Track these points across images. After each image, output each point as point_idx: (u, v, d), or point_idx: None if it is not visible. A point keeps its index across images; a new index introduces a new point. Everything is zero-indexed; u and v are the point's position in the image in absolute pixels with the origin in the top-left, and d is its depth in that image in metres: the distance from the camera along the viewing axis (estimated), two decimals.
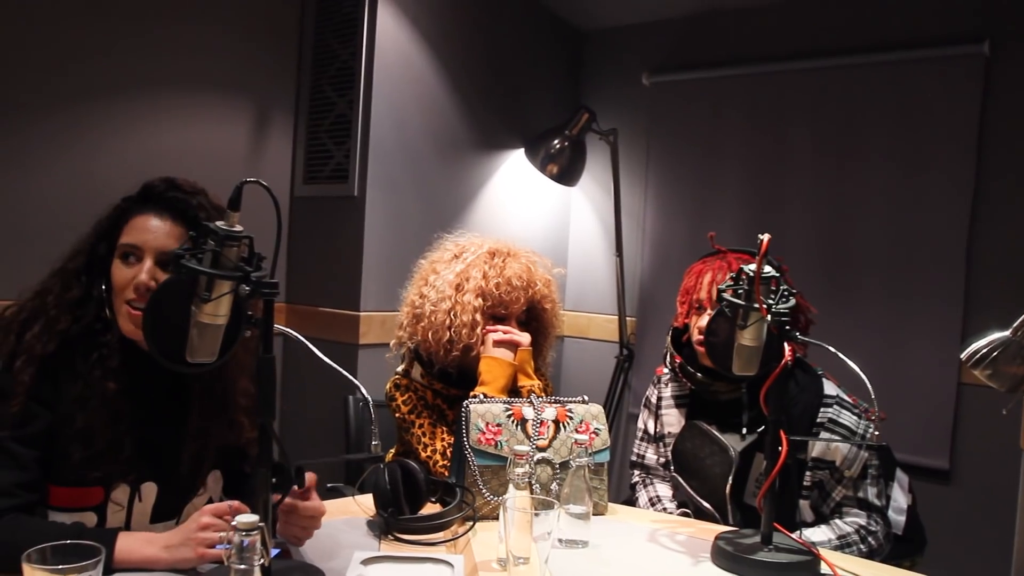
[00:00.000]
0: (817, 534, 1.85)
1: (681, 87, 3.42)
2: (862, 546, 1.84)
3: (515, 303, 1.99)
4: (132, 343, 1.46)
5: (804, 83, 3.09)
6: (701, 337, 1.96)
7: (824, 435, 1.88)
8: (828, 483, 1.90)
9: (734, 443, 1.92)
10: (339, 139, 3.01)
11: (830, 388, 1.94)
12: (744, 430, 1.95)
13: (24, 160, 2.46)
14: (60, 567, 0.95)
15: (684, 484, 1.99)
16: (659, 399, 2.18)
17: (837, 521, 1.89)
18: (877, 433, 1.77)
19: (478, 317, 1.94)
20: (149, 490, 1.49)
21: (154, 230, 1.44)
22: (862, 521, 1.88)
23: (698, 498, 1.95)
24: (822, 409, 1.91)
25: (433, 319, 1.95)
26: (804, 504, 1.92)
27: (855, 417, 1.91)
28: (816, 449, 1.89)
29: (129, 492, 1.46)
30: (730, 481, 1.89)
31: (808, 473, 1.91)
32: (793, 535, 1.72)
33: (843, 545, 1.83)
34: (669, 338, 2.14)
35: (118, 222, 1.48)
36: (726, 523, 1.89)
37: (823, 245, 3.03)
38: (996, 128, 2.72)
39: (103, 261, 1.47)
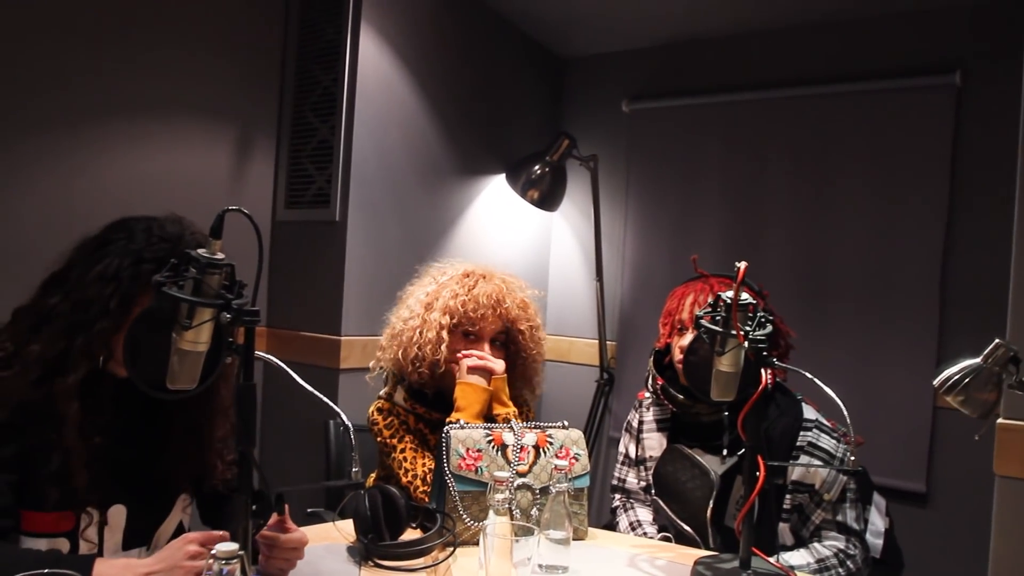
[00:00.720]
0: (796, 558, 1.86)
1: (660, 114, 3.46)
2: (840, 570, 1.85)
3: (483, 321, 2.00)
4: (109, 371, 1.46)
5: (781, 111, 3.14)
6: (683, 357, 1.98)
7: (804, 459, 1.91)
8: (808, 506, 1.91)
9: (715, 466, 1.93)
10: (321, 164, 3.02)
11: (809, 412, 1.96)
12: (725, 451, 1.97)
13: (3, 184, 2.45)
14: None
15: (665, 507, 2.00)
16: (640, 423, 2.20)
17: (816, 545, 1.90)
18: (854, 458, 1.79)
19: (444, 335, 1.96)
20: (118, 513, 1.48)
21: None
22: (840, 545, 1.89)
23: (679, 521, 1.96)
24: (802, 433, 1.93)
25: (402, 337, 2.00)
26: (784, 527, 1.94)
27: (834, 441, 1.93)
28: (796, 473, 1.91)
29: (98, 516, 1.45)
30: (711, 504, 1.90)
31: (788, 496, 1.92)
32: (772, 559, 1.74)
33: (822, 569, 1.85)
34: (651, 361, 2.16)
35: (140, 278, 1.43)
36: (707, 546, 1.91)
37: (800, 270, 3.07)
38: (968, 155, 2.77)
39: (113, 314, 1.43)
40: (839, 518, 1.90)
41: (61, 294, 1.43)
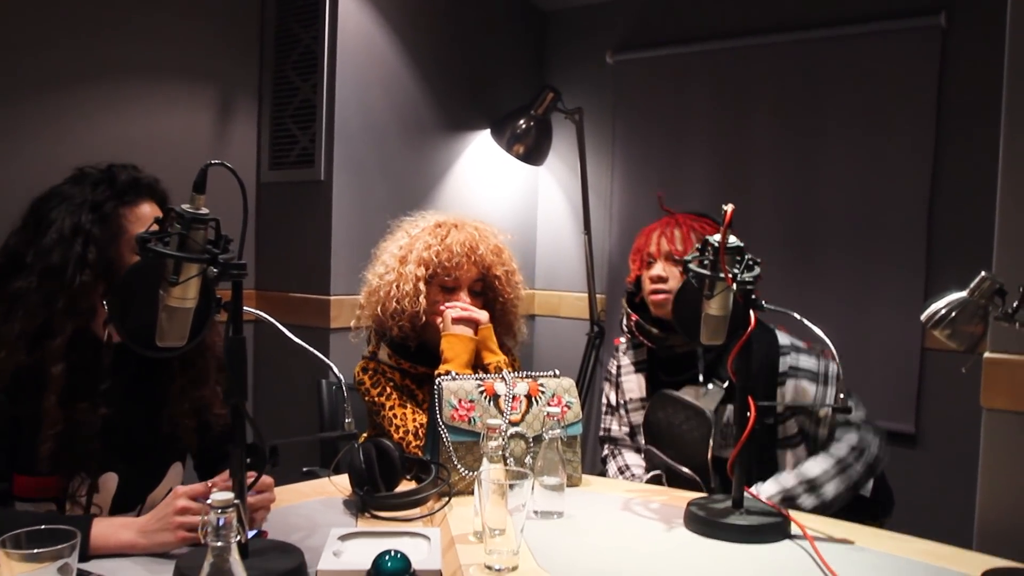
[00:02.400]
0: (814, 467, 1.90)
1: (644, 65, 3.43)
2: (858, 466, 1.89)
3: (458, 269, 2.00)
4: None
5: (766, 58, 3.12)
6: (654, 286, 2.08)
7: (790, 383, 1.96)
8: (809, 426, 1.96)
9: (706, 404, 1.95)
10: (304, 124, 2.99)
11: (784, 338, 1.99)
12: (701, 378, 2.02)
13: None
14: (36, 551, 0.95)
15: (660, 454, 2.02)
16: (618, 368, 2.23)
17: (831, 447, 1.94)
18: (837, 366, 1.88)
19: (421, 286, 1.97)
20: (109, 480, 1.49)
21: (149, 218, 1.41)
22: (854, 439, 1.93)
23: (676, 465, 1.97)
24: (781, 358, 1.97)
25: (380, 292, 2.00)
26: (789, 454, 1.97)
27: (814, 359, 1.98)
28: (788, 397, 1.95)
29: (89, 482, 1.45)
30: (711, 443, 1.92)
31: (789, 422, 1.97)
32: (792, 472, 1.85)
33: (841, 470, 1.89)
34: (624, 301, 2.21)
35: (108, 220, 1.44)
36: (707, 485, 1.92)
37: (788, 215, 3.07)
38: (953, 97, 2.77)
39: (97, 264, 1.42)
40: (841, 419, 1.95)
41: (23, 277, 1.41)
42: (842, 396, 1.56)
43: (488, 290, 2.08)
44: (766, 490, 1.88)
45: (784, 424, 1.99)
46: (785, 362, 1.97)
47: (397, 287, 1.98)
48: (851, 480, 1.90)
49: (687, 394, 2.00)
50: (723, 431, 1.94)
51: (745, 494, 1.56)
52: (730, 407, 1.93)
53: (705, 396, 1.99)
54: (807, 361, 1.97)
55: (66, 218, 1.42)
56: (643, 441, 2.14)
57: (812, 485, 1.88)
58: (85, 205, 1.43)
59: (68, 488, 1.44)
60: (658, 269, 2.09)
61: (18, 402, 1.38)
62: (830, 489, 1.88)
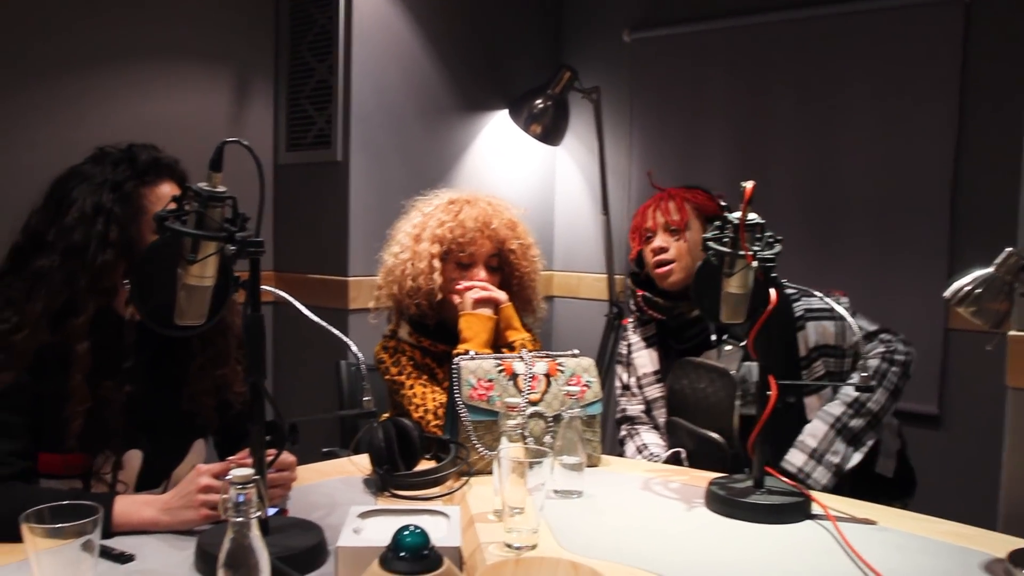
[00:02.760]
0: (849, 388, 1.92)
1: (662, 42, 3.40)
2: (893, 368, 1.94)
3: (473, 244, 2.00)
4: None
5: (786, 33, 3.07)
6: (655, 259, 2.13)
7: (811, 325, 1.98)
8: (837, 363, 1.98)
9: (726, 365, 1.94)
10: (321, 105, 2.98)
11: (787, 288, 1.98)
12: (713, 338, 2.05)
13: (4, 131, 2.44)
14: (59, 526, 0.96)
15: (685, 423, 2.00)
16: (628, 347, 2.24)
17: (861, 364, 1.94)
18: (845, 299, 1.94)
19: (435, 263, 1.97)
20: (133, 457, 1.50)
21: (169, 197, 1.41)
22: (880, 348, 1.96)
23: (704, 431, 1.95)
24: (793, 305, 1.99)
25: (396, 271, 2.00)
26: (815, 399, 1.98)
27: (824, 299, 1.97)
28: (812, 340, 1.97)
29: (113, 460, 1.46)
30: (737, 401, 1.90)
31: (816, 364, 1.98)
32: (837, 404, 1.90)
33: (882, 378, 1.92)
34: (629, 280, 2.26)
35: (128, 199, 1.44)
36: (731, 448, 1.90)
37: (808, 193, 3.03)
38: (977, 71, 2.71)
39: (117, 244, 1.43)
40: (861, 334, 1.99)
41: (45, 255, 1.41)
42: (864, 374, 1.54)
43: (504, 265, 2.07)
44: (813, 429, 1.90)
45: (811, 368, 1.99)
46: (798, 306, 1.99)
47: (412, 265, 1.98)
48: (892, 385, 1.94)
49: (704, 359, 2.01)
50: (746, 389, 1.93)
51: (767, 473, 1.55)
52: (750, 364, 1.93)
53: (724, 357, 1.99)
54: (817, 302, 1.98)
55: (87, 197, 1.42)
56: (660, 418, 2.13)
57: (855, 403, 1.91)
58: (106, 185, 1.43)
59: (93, 465, 1.45)
60: (658, 241, 2.15)
61: (42, 380, 1.39)
62: (875, 402, 1.92)
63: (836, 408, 1.93)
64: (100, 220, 1.41)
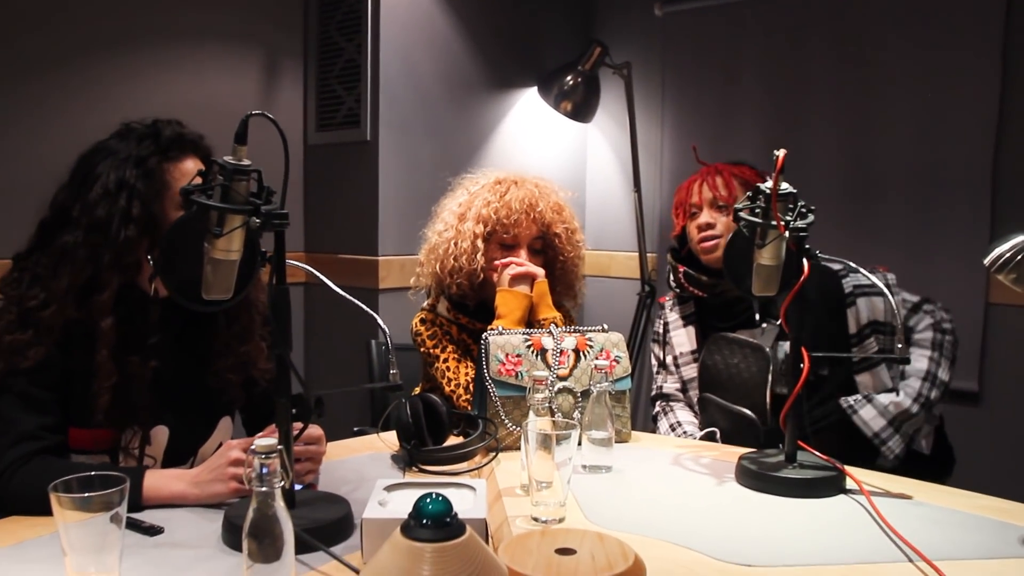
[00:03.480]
0: (918, 363, 1.95)
1: (694, 16, 3.34)
2: (947, 336, 1.98)
3: (517, 226, 1.98)
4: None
5: (821, 5, 3.00)
6: (701, 235, 2.08)
7: (862, 300, 1.97)
8: (888, 340, 1.97)
9: (763, 342, 1.92)
10: (349, 84, 2.98)
11: (834, 264, 1.96)
12: (757, 317, 2.01)
13: (33, 113, 2.47)
14: (86, 495, 0.96)
15: (716, 399, 1.98)
16: (665, 325, 2.21)
17: (915, 339, 1.99)
18: (892, 275, 1.96)
19: (479, 243, 1.95)
20: (160, 433, 1.51)
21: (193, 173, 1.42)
22: (927, 319, 1.99)
23: (734, 407, 1.93)
24: (843, 281, 1.97)
25: (439, 250, 1.99)
26: (868, 376, 1.97)
27: (872, 275, 1.92)
28: (864, 316, 1.96)
29: (141, 435, 1.48)
30: (771, 377, 1.88)
31: (869, 341, 1.97)
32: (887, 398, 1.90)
33: (941, 348, 1.96)
34: (669, 255, 2.20)
35: (152, 175, 1.45)
36: (764, 425, 1.88)
37: (846, 167, 2.97)
38: (1020, 39, 2.63)
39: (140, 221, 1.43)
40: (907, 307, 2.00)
41: (70, 231, 1.42)
42: (900, 346, 1.51)
43: (548, 248, 2.05)
44: (897, 400, 1.91)
45: (863, 345, 1.97)
46: (848, 283, 1.97)
47: (455, 244, 1.97)
48: (951, 354, 1.98)
49: (743, 335, 1.98)
50: (782, 366, 1.90)
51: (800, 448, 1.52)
52: (787, 343, 1.91)
53: (762, 336, 1.96)
54: (866, 278, 1.91)
55: (111, 173, 1.42)
56: (694, 395, 2.11)
57: (929, 376, 1.92)
58: (130, 160, 1.44)
59: (121, 440, 1.46)
60: (704, 217, 2.10)
61: (71, 355, 1.40)
62: (944, 371, 1.95)
63: (915, 383, 1.93)
64: (123, 196, 1.41)
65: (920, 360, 1.95)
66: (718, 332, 2.07)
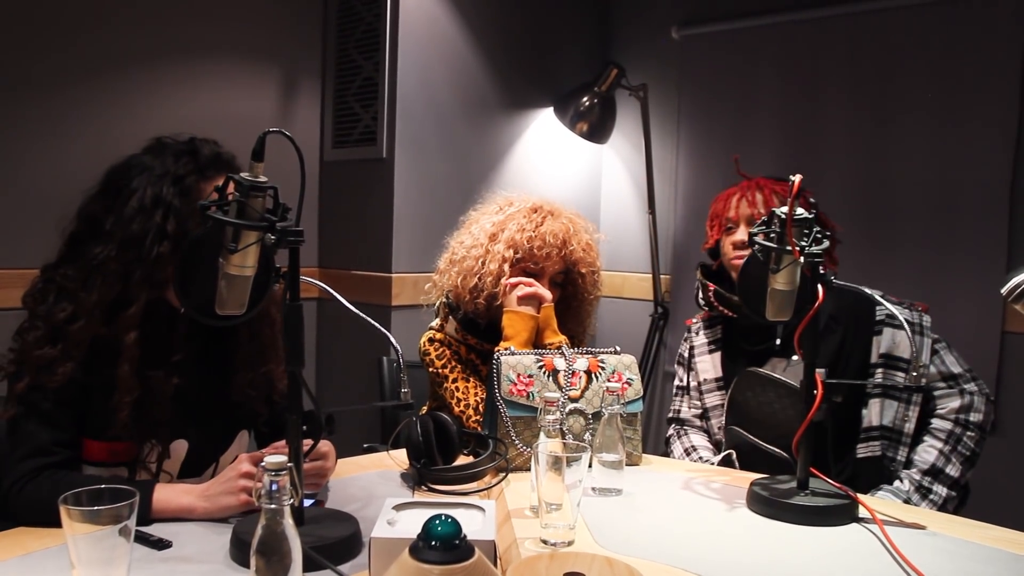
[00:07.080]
0: (926, 455, 1.86)
1: (711, 39, 3.35)
2: (969, 432, 1.86)
3: (546, 260, 1.97)
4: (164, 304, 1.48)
5: (838, 29, 3.00)
6: (737, 252, 2.01)
7: (887, 331, 1.91)
8: (891, 377, 1.90)
9: (793, 377, 1.88)
10: (366, 102, 3.00)
11: (866, 290, 1.89)
12: (778, 342, 1.96)
13: (53, 128, 2.50)
14: (95, 509, 0.96)
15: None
16: (691, 348, 2.17)
17: (933, 424, 1.88)
18: (928, 317, 1.89)
19: (506, 268, 1.94)
20: (179, 447, 1.51)
21: None
22: (955, 404, 1.88)
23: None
24: (876, 308, 1.91)
25: (463, 264, 1.98)
26: (873, 404, 1.91)
27: (907, 310, 1.92)
28: (883, 347, 1.90)
29: (160, 448, 1.48)
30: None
31: (877, 373, 1.91)
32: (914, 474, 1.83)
33: (954, 445, 1.85)
34: (699, 272, 2.13)
35: (189, 192, 1.44)
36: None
37: (861, 193, 2.96)
38: None
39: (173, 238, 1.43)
40: (939, 369, 1.90)
41: (102, 244, 1.41)
42: (915, 374, 1.49)
43: (569, 284, 2.06)
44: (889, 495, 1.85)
45: (872, 376, 1.92)
46: (880, 311, 1.91)
47: (482, 263, 1.96)
48: (968, 451, 1.86)
49: (772, 368, 1.94)
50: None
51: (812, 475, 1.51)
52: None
53: (790, 368, 1.92)
54: (900, 311, 1.87)
55: (147, 188, 1.42)
56: (715, 424, 2.08)
57: (933, 471, 1.85)
58: (167, 177, 1.43)
59: (139, 454, 1.46)
60: (741, 234, 2.02)
61: (92, 370, 1.40)
62: (953, 468, 1.85)
63: (916, 474, 1.87)
64: (159, 212, 1.41)
65: (929, 454, 1.87)
66: (746, 355, 2.02)
